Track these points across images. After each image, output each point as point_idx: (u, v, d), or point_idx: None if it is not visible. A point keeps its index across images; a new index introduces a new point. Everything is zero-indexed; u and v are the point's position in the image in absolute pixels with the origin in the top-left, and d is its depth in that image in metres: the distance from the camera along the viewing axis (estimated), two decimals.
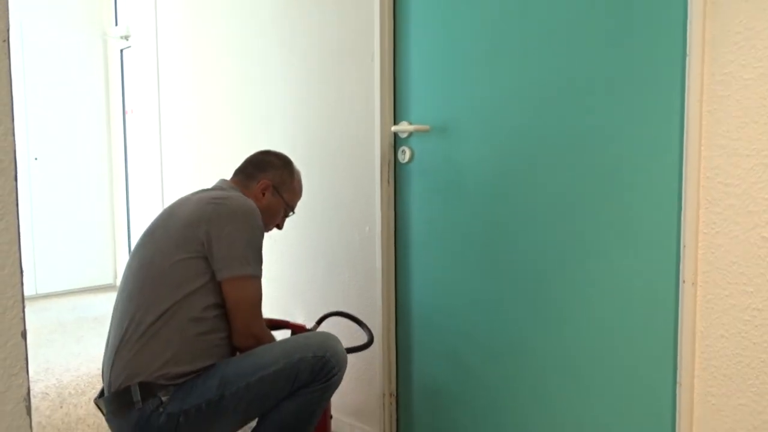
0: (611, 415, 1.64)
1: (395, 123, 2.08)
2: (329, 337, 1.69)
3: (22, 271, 0.91)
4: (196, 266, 1.59)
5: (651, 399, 1.57)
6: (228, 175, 1.91)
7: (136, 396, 1.51)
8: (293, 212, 1.95)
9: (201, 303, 1.59)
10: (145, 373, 1.53)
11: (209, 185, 1.89)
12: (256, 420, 1.68)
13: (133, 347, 1.55)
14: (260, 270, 1.66)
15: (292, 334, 1.99)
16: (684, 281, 1.47)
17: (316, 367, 1.61)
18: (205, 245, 1.59)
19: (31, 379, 2.85)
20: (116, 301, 1.68)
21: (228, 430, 1.62)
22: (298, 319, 2.45)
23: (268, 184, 1.85)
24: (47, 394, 2.72)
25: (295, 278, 2.48)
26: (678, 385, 1.50)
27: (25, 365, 0.93)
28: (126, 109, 4.56)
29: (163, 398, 1.52)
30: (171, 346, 1.55)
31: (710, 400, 1.46)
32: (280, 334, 1.85)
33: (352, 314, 2.11)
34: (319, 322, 2.08)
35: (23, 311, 0.92)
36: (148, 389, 1.52)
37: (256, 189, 1.84)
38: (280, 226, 1.95)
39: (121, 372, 1.55)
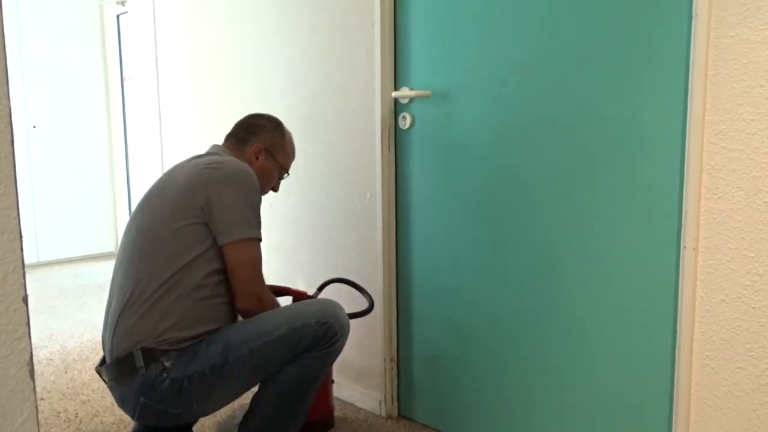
0: (611, 379, 1.66)
1: (396, 89, 2.06)
2: (332, 304, 1.70)
3: (21, 237, 0.90)
4: (196, 233, 1.60)
5: (650, 363, 1.58)
6: (222, 141, 1.90)
7: (139, 362, 1.53)
8: (288, 174, 1.95)
9: (202, 270, 1.60)
10: (147, 339, 1.54)
11: (203, 151, 1.88)
12: (258, 384, 1.70)
13: (135, 314, 1.56)
14: (260, 232, 1.67)
15: (294, 300, 2.00)
16: (685, 247, 1.47)
17: (318, 333, 1.62)
18: (205, 210, 1.59)
19: (35, 345, 2.88)
20: (115, 268, 1.68)
21: (231, 395, 1.64)
22: (299, 286, 2.46)
23: (261, 147, 1.83)
24: (51, 360, 2.75)
25: (296, 245, 2.48)
26: (677, 350, 1.51)
27: (27, 330, 0.93)
28: (124, 76, 4.52)
29: (166, 363, 1.53)
30: (173, 313, 1.56)
31: (709, 363, 1.47)
32: (282, 301, 1.85)
33: (353, 281, 2.11)
34: (321, 288, 2.09)
35: (24, 277, 0.92)
36: (150, 355, 1.53)
37: (250, 153, 1.83)
38: (275, 189, 1.94)
39: (123, 338, 1.56)
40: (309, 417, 1.94)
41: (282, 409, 1.66)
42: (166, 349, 1.54)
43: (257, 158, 1.83)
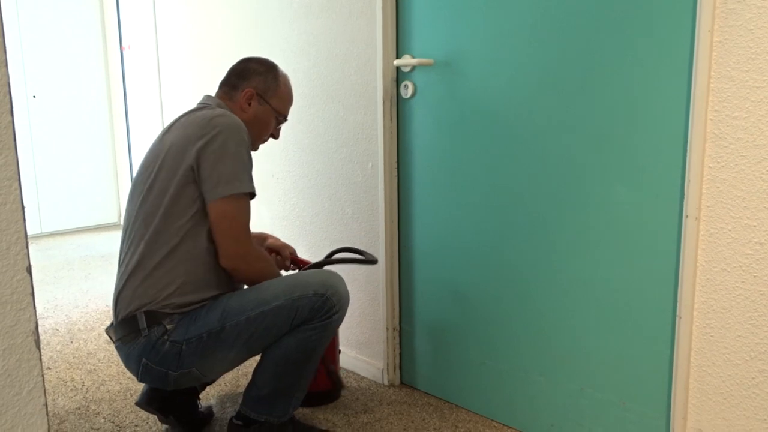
0: (612, 346, 1.67)
1: (398, 57, 2.04)
2: (332, 276, 1.70)
3: (23, 207, 0.91)
4: (193, 195, 1.60)
5: (651, 331, 1.59)
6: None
7: (142, 324, 1.58)
8: (285, 119, 1.87)
9: (203, 233, 1.61)
10: (151, 303, 1.58)
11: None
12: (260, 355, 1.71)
13: (140, 279, 1.60)
14: (250, 185, 1.63)
15: (296, 267, 2.00)
16: (687, 216, 1.47)
17: (316, 305, 1.62)
18: (195, 170, 1.59)
19: (40, 315, 2.90)
20: (123, 233, 1.70)
21: (230, 362, 1.66)
22: (301, 256, 2.47)
23: (252, 92, 1.77)
24: (57, 330, 2.78)
25: (299, 216, 2.48)
26: (678, 318, 1.52)
27: (31, 300, 0.94)
28: (123, 44, 4.47)
29: (168, 326, 1.58)
30: (177, 277, 1.59)
31: (709, 332, 1.48)
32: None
33: (355, 248, 2.08)
34: (328, 257, 2.06)
35: (27, 247, 0.92)
36: (153, 317, 1.58)
37: (241, 99, 1.77)
38: (275, 136, 1.87)
39: (129, 302, 1.60)
40: (316, 387, 1.96)
41: (282, 379, 1.67)
42: (168, 312, 1.58)
43: (249, 104, 1.77)
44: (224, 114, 1.65)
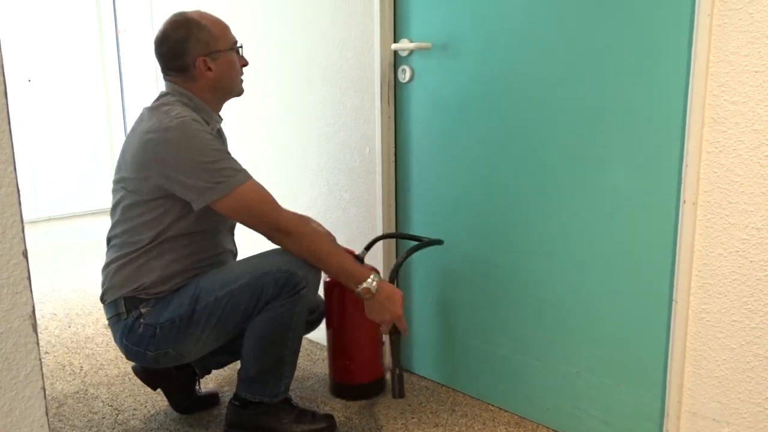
0: (606, 332, 1.68)
1: (395, 41, 2.03)
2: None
3: (19, 191, 0.90)
4: (166, 204, 1.63)
5: (647, 316, 1.60)
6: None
7: (122, 308, 1.68)
8: (239, 46, 1.78)
9: (181, 227, 1.65)
10: (129, 291, 1.66)
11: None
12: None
13: (121, 268, 1.68)
14: (231, 179, 1.58)
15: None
16: (685, 201, 1.47)
17: (280, 281, 1.62)
18: (167, 187, 1.60)
19: (38, 300, 2.91)
20: (111, 209, 1.76)
21: (205, 342, 1.68)
22: None
23: (202, 59, 1.68)
24: (55, 314, 2.78)
25: (296, 200, 2.48)
26: (674, 303, 1.52)
27: (28, 284, 0.94)
28: (118, 28, 4.44)
29: (143, 310, 1.66)
30: (153, 270, 1.66)
31: (705, 317, 1.49)
32: None
33: (410, 235, 1.93)
34: (368, 247, 2.01)
35: (23, 231, 0.92)
36: (132, 302, 1.67)
37: (198, 74, 1.70)
38: (245, 64, 1.80)
39: (110, 288, 1.69)
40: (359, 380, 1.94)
41: (264, 358, 1.69)
42: (145, 298, 1.66)
43: (209, 69, 1.70)
44: (171, 118, 1.59)
